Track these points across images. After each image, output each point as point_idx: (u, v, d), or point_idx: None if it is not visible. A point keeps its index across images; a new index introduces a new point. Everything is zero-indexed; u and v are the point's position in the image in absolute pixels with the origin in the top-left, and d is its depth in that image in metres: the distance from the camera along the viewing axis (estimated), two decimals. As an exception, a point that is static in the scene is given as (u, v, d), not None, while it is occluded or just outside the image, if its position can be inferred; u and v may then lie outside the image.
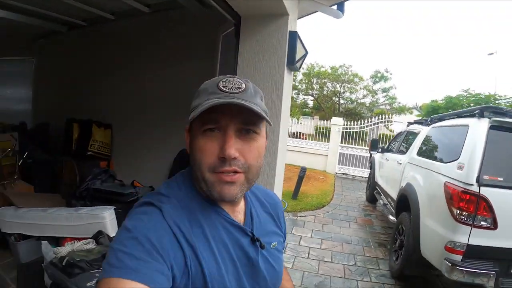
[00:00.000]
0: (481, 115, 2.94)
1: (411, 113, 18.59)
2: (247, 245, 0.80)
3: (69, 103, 4.69)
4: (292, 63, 2.41)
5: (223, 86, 0.71)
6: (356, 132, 10.87)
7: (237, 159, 0.70)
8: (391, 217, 4.66)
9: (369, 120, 11.04)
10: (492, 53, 19.55)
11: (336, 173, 10.29)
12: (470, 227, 2.61)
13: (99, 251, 2.24)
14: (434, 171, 3.33)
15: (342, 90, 21.20)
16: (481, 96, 10.80)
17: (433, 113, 10.26)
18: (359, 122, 10.92)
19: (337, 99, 21.65)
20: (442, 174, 3.08)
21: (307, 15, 3.07)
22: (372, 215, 6.23)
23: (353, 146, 10.73)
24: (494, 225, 2.59)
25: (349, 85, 20.93)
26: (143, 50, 4.01)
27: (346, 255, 4.17)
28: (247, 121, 0.71)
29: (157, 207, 0.70)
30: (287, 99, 2.54)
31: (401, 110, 19.32)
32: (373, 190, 6.68)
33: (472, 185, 2.62)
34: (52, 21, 4.28)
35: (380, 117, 11.13)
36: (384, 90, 20.79)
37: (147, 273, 0.57)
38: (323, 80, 21.14)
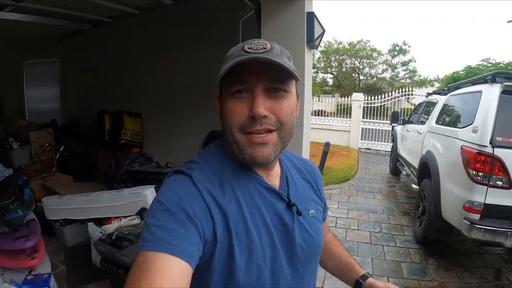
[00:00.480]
0: (493, 80, 3.04)
1: (432, 85, 18.12)
2: (282, 210, 0.77)
3: (98, 97, 4.98)
4: (312, 42, 2.59)
5: (248, 48, 0.70)
6: (377, 107, 10.85)
7: (268, 117, 0.68)
8: (414, 186, 4.78)
9: (390, 94, 10.97)
10: (510, 21, 18.71)
11: (359, 148, 10.37)
12: (486, 186, 2.73)
13: (144, 224, 2.50)
14: (451, 137, 3.45)
15: (361, 66, 20.88)
16: (501, 64, 10.65)
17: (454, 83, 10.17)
18: (379, 97, 10.87)
19: (356, 75, 21.38)
20: (458, 139, 3.20)
21: None
22: (396, 187, 6.36)
23: (375, 120, 10.73)
24: (509, 185, 2.71)
25: (368, 61, 20.58)
26: (168, 41, 4.20)
27: (372, 223, 4.36)
28: (275, 78, 0.69)
29: (187, 175, 0.70)
30: (309, 78, 2.68)
31: (422, 83, 18.89)
32: (396, 162, 6.75)
33: (486, 146, 2.75)
34: (76, 21, 4.49)
35: (400, 90, 11.03)
36: (404, 64, 20.45)
37: (178, 245, 0.58)
38: (342, 57, 20.88)
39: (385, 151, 9.99)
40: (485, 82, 3.23)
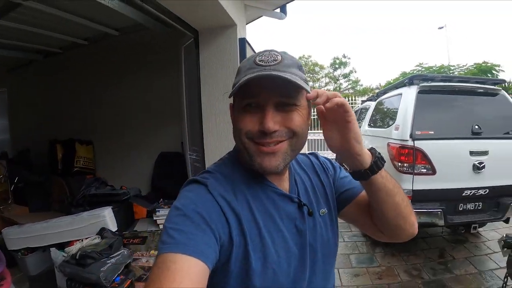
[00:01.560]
0: (410, 83, 3.55)
1: (374, 93, 19.27)
2: (294, 212, 0.79)
3: (49, 126, 4.92)
4: None
5: (260, 61, 0.71)
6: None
7: (279, 130, 0.70)
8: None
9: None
10: (441, 27, 20.67)
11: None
12: (412, 175, 3.14)
13: (105, 242, 2.56)
14: (379, 136, 3.91)
15: (305, 81, 21.80)
16: (433, 68, 11.54)
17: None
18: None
19: (301, 90, 22.25)
20: (385, 137, 3.64)
21: (253, 20, 3.53)
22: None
23: (319, 131, 11.32)
24: (433, 171, 3.14)
25: (311, 75, 21.48)
26: (116, 68, 4.33)
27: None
28: (285, 93, 0.70)
29: (202, 183, 0.73)
30: None
31: (365, 91, 20.02)
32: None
33: (407, 140, 3.18)
34: (27, 51, 4.46)
35: (345, 101, 11.72)
36: (345, 76, 21.62)
37: (195, 246, 0.60)
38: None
39: (332, 158, 10.53)
40: (405, 85, 3.71)
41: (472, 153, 3.23)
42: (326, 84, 21.80)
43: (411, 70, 11.94)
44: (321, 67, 21.38)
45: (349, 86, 21.64)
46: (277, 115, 0.70)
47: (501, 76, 9.89)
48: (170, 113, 4.04)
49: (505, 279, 2.68)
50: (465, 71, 10.77)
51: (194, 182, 0.76)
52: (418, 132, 3.18)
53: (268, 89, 0.70)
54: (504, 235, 2.65)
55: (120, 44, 4.13)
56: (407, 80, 3.62)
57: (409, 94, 3.45)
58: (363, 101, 6.79)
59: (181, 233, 0.62)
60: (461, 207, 3.28)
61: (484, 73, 10.03)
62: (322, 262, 0.82)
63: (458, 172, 3.23)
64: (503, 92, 3.72)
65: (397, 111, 3.56)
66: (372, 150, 0.76)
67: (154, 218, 3.21)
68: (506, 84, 6.75)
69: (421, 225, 3.30)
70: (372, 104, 5.09)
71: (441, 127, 3.25)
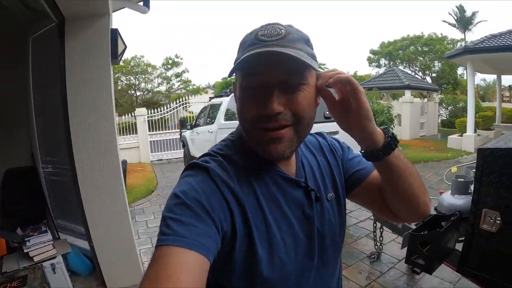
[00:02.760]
0: None
1: (206, 92, 20.17)
2: (301, 198, 0.76)
3: None
4: (116, 58, 2.66)
5: (262, 35, 0.65)
6: (159, 119, 11.25)
7: (283, 113, 0.65)
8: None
9: (169, 106, 11.68)
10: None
11: (151, 161, 10.61)
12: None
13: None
14: (235, 128, 4.23)
15: (137, 82, 20.91)
16: None
17: (227, 88, 11.85)
18: (160, 110, 11.35)
19: (133, 91, 21.31)
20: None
21: (114, 11, 3.26)
22: (199, 184, 6.97)
23: (161, 132, 11.19)
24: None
25: (143, 76, 20.81)
26: None
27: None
28: (290, 70, 0.64)
29: (203, 168, 0.69)
30: (112, 95, 2.76)
31: (197, 91, 20.66)
32: (191, 164, 7.36)
33: None
34: None
35: (178, 101, 11.88)
36: (178, 75, 21.57)
37: (195, 238, 0.57)
38: (117, 75, 20.48)
39: (176, 158, 10.69)
40: None
41: (328, 133, 3.96)
42: (159, 84, 21.53)
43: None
44: (154, 67, 20.93)
45: (181, 86, 21.97)
46: (281, 96, 0.64)
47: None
48: (17, 119, 3.32)
49: (375, 224, 3.26)
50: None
51: (194, 167, 0.70)
52: None
53: (271, 67, 0.63)
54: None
55: None
56: None
57: None
58: (211, 98, 7.09)
59: (181, 224, 0.58)
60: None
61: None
62: (330, 248, 0.80)
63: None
64: None
65: None
66: (385, 129, 0.72)
67: (26, 251, 2.54)
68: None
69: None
70: (225, 100, 5.37)
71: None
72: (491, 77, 31.55)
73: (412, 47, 27.24)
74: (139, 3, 3.13)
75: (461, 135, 11.10)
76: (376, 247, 3.35)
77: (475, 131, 10.87)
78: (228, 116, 4.94)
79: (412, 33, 28.35)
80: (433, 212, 2.77)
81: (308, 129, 0.71)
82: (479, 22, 31.61)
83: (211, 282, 0.67)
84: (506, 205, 1.76)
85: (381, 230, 3.25)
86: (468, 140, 10.52)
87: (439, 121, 17.08)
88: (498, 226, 1.79)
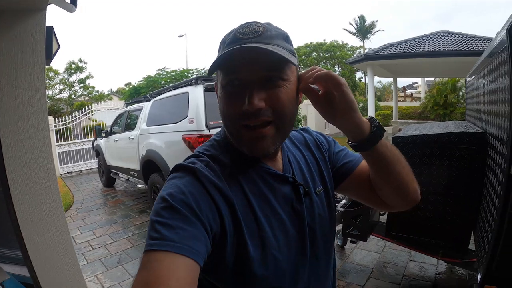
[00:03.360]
0: (196, 83, 4.06)
1: (110, 99, 18.93)
2: (289, 193, 0.76)
3: None
4: (50, 58, 2.45)
5: (240, 33, 0.66)
6: (62, 129, 10.28)
7: (264, 109, 0.64)
8: (140, 186, 5.33)
9: (74, 114, 10.71)
10: (182, 35, 22.74)
11: (61, 174, 9.69)
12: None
13: None
14: (169, 132, 4.20)
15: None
16: (176, 71, 12.56)
17: (136, 94, 11.34)
18: (63, 119, 10.39)
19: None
20: (178, 131, 3.99)
21: None
22: (118, 195, 6.73)
23: (68, 142, 10.27)
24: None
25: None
26: None
27: (121, 230, 4.61)
28: (269, 66, 0.64)
29: (190, 169, 0.68)
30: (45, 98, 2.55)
31: (100, 98, 19.37)
32: (108, 174, 7.04)
33: (203, 130, 3.68)
34: None
35: (82, 110, 10.96)
36: (81, 81, 20.14)
37: (184, 243, 0.56)
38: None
39: (88, 169, 9.97)
40: (190, 85, 4.19)
41: None
42: (61, 91, 19.62)
43: (155, 74, 12.52)
44: (56, 72, 18.96)
45: (84, 93, 20.40)
46: (261, 92, 0.64)
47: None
48: None
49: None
50: (202, 73, 12.49)
51: (180, 168, 0.69)
52: (211, 122, 3.77)
53: (250, 64, 0.64)
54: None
55: None
56: (194, 80, 4.12)
57: (197, 92, 3.97)
58: (127, 103, 6.78)
59: (169, 228, 0.57)
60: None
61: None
62: (322, 242, 0.79)
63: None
64: None
65: (186, 108, 3.99)
66: (370, 119, 0.72)
67: None
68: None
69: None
70: (146, 105, 5.24)
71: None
72: (385, 80, 35.21)
73: (314, 53, 29.12)
74: (67, 0, 2.90)
75: None
76: None
77: None
78: (152, 121, 4.84)
79: (315, 40, 30.71)
80: None
81: (290, 125, 0.71)
82: (377, 31, 35.37)
83: (205, 284, 0.69)
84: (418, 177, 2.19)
85: None
86: None
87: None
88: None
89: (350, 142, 0.74)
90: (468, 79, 3.93)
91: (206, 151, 0.75)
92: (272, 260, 0.68)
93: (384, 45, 12.45)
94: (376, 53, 11.82)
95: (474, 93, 3.13)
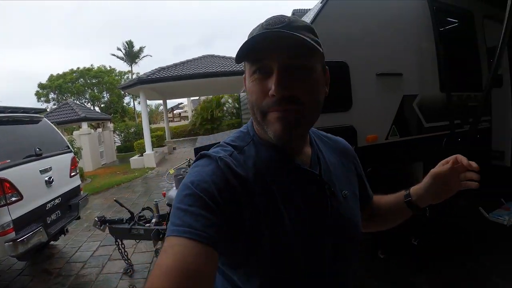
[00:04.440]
0: None
1: None
2: (314, 190, 0.75)
3: None
4: None
5: (267, 25, 0.66)
6: None
7: (289, 96, 0.65)
8: None
9: None
10: None
11: None
12: (6, 206, 3.18)
13: None
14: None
15: None
16: None
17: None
18: None
19: None
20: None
21: None
22: None
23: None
24: (20, 196, 3.35)
25: None
26: None
27: None
28: (294, 54, 0.65)
29: (213, 158, 0.69)
30: None
31: None
32: None
33: None
34: None
35: None
36: None
37: (203, 230, 0.57)
38: None
39: None
40: None
41: (41, 171, 3.85)
42: None
43: None
44: None
45: None
46: (287, 78, 0.65)
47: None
48: None
49: (117, 242, 3.47)
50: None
51: (205, 157, 0.72)
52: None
53: (277, 51, 0.65)
54: (95, 218, 3.47)
55: None
56: None
57: None
58: None
59: (190, 215, 0.59)
60: (49, 220, 3.84)
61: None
62: (344, 245, 0.78)
63: (37, 191, 3.72)
64: (45, 119, 4.69)
65: None
66: None
67: None
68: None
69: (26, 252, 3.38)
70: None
71: (12, 154, 3.49)
72: (151, 103, 36.18)
73: (81, 79, 28.05)
74: None
75: (142, 155, 12.81)
76: (127, 262, 3.62)
77: (152, 149, 12.91)
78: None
79: (82, 66, 29.31)
80: (167, 208, 3.51)
81: (315, 113, 0.72)
82: (145, 56, 36.45)
83: (222, 274, 0.73)
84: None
85: (123, 245, 3.54)
86: (149, 158, 12.52)
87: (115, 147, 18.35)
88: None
89: (409, 199, 0.90)
90: (241, 94, 4.78)
91: (232, 141, 0.77)
92: (288, 255, 0.69)
93: (155, 69, 13.11)
94: (149, 77, 12.27)
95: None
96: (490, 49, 3.64)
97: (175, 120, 40.21)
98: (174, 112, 40.94)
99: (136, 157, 13.06)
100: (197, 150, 2.77)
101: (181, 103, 42.14)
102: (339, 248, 0.76)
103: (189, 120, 28.37)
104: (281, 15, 0.68)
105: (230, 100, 24.64)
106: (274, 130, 0.67)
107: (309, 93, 0.67)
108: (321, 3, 2.58)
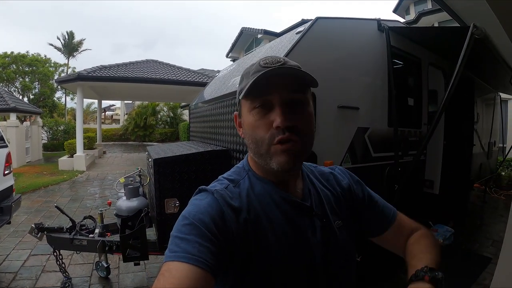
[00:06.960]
0: None
1: None
2: (305, 221, 0.79)
3: None
4: None
5: (264, 63, 0.73)
6: None
7: (291, 127, 0.71)
8: None
9: None
10: None
11: None
12: None
13: None
14: None
15: None
16: None
17: None
18: None
19: None
20: None
21: None
22: None
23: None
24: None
25: None
26: None
27: None
28: (294, 89, 0.73)
29: (209, 192, 0.76)
30: None
31: None
32: None
33: None
34: None
35: None
36: None
37: (199, 256, 0.61)
38: None
39: None
40: None
41: None
42: None
43: None
44: None
45: None
46: (288, 111, 0.71)
47: None
48: None
49: (55, 254, 3.22)
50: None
51: (203, 191, 0.78)
52: None
53: (278, 87, 0.72)
54: (33, 224, 3.22)
55: None
56: None
57: None
58: None
59: (187, 242, 0.64)
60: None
61: None
62: (336, 276, 0.82)
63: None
64: None
65: None
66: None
67: None
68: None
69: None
70: None
71: None
72: (85, 101, 34.41)
73: (14, 65, 25.46)
74: None
75: (72, 156, 11.88)
76: (65, 274, 3.38)
77: (83, 151, 11.99)
78: None
79: (16, 51, 26.25)
80: (115, 218, 3.36)
81: (311, 143, 0.78)
82: (84, 50, 34.69)
83: None
84: (180, 192, 2.62)
85: (60, 257, 3.28)
86: (79, 160, 11.56)
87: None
88: (178, 208, 2.62)
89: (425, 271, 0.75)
90: (192, 105, 4.84)
91: (229, 176, 0.83)
92: (278, 284, 0.73)
93: (97, 66, 12.33)
94: (90, 74, 11.63)
95: (204, 118, 3.91)
96: (431, 91, 4.24)
97: (106, 122, 38.19)
98: (106, 113, 39.11)
99: (65, 157, 12.12)
100: (157, 161, 2.73)
101: (114, 105, 40.37)
102: (333, 277, 0.80)
103: (121, 124, 26.99)
104: (275, 56, 0.76)
105: (165, 109, 24.26)
106: (278, 161, 0.72)
107: (307, 125, 0.74)
108: (296, 34, 2.79)
